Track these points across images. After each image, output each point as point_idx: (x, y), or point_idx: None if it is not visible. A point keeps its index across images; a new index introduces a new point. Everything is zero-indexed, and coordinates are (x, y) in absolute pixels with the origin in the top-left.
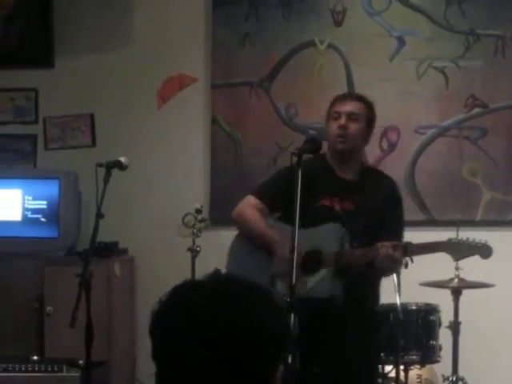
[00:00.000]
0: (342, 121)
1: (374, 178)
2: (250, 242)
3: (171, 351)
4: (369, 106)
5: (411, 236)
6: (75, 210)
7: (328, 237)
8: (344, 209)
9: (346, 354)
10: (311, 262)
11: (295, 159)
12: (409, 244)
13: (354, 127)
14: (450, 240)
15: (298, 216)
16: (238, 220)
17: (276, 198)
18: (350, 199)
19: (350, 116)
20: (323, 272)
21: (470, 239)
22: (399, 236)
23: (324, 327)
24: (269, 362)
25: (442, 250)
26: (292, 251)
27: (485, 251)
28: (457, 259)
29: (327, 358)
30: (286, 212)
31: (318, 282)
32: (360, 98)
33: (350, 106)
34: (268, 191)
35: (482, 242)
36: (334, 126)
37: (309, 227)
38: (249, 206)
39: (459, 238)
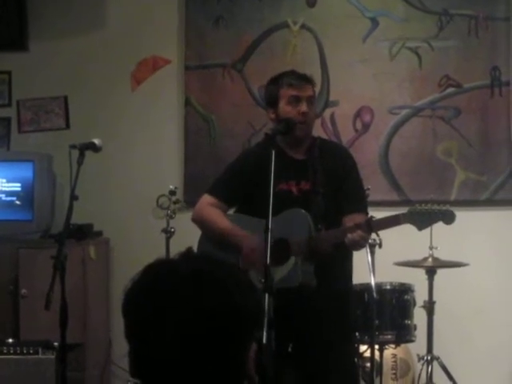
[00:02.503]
0: (304, 107)
1: (325, 150)
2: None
3: (144, 330)
4: (314, 85)
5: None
6: (50, 192)
7: (293, 224)
8: (302, 190)
9: (321, 334)
10: (279, 252)
11: (246, 145)
12: (371, 220)
13: (312, 111)
14: (410, 210)
15: (259, 205)
16: (199, 222)
17: (232, 192)
18: (306, 179)
19: (309, 100)
20: (292, 261)
21: (431, 207)
22: (362, 205)
23: (297, 312)
24: (242, 341)
25: (404, 222)
26: (266, 231)
27: (447, 217)
28: (420, 229)
29: (301, 340)
30: (246, 202)
31: (289, 272)
32: (310, 79)
33: (309, 91)
34: (223, 187)
35: (444, 207)
36: (293, 112)
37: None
38: (207, 206)
39: (419, 207)
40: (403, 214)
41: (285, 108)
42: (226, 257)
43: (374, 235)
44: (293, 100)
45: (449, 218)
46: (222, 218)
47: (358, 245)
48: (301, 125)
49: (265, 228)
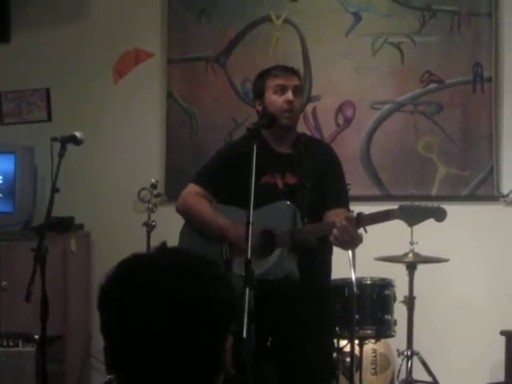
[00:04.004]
0: (290, 96)
1: (310, 146)
2: (198, 231)
3: (119, 325)
4: (300, 77)
5: (367, 211)
6: (31, 184)
7: (279, 215)
8: (287, 184)
9: (300, 329)
10: (264, 243)
11: (228, 138)
12: (361, 215)
13: (298, 101)
14: (402, 206)
15: (242, 197)
16: (184, 211)
17: (218, 183)
18: (292, 173)
19: (295, 89)
20: (277, 252)
21: (423, 204)
22: (345, 201)
23: (278, 305)
24: (218, 333)
25: (394, 217)
26: (247, 225)
27: (439, 214)
28: (411, 225)
29: (280, 334)
30: (229, 193)
31: (274, 264)
32: (297, 71)
33: (295, 80)
34: (208, 176)
35: (435, 205)
36: (279, 101)
37: (255, 208)
38: (192, 195)
39: (411, 203)
40: (394, 210)
41: (271, 98)
42: (209, 247)
43: None
44: (279, 89)
45: (440, 215)
46: (208, 207)
47: (346, 235)
48: (287, 114)
49: (246, 221)
